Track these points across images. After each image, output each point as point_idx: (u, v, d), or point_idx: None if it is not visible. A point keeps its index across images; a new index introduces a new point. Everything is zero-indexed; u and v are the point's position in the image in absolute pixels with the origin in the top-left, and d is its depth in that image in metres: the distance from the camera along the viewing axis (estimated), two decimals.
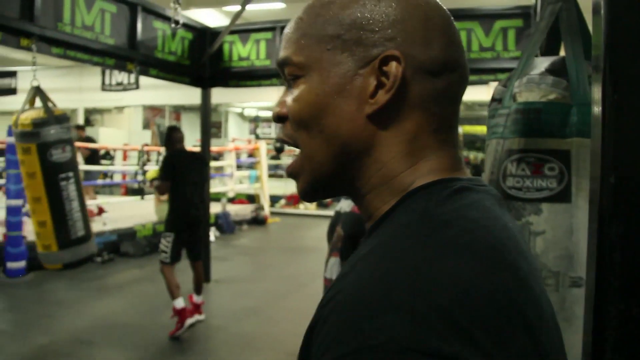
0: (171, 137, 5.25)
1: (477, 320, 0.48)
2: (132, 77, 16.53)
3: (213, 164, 14.94)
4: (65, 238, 3.87)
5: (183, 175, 5.00)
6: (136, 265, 7.44)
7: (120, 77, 16.83)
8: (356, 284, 0.53)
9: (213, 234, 9.13)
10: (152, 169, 4.75)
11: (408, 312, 0.47)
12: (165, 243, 4.98)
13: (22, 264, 6.69)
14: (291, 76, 0.67)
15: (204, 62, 6.41)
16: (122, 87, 16.89)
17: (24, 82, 17.99)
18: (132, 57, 5.47)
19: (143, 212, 8.97)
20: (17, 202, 6.78)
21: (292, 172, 0.70)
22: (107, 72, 16.79)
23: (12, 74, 18.19)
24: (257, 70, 6.40)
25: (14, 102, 17.92)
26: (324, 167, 0.66)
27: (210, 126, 21.99)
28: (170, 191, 5.02)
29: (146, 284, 6.66)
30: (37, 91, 4.01)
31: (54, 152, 3.83)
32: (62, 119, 3.94)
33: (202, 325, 5.28)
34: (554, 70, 1.28)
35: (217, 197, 11.24)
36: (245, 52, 6.43)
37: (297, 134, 0.67)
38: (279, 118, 0.69)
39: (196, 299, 5.09)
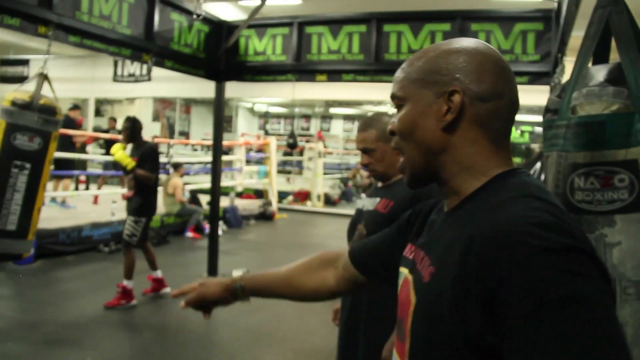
0: (138, 129, 5.41)
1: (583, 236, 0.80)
2: (144, 68, 16.60)
3: (222, 157, 14.96)
4: None
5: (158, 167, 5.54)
6: (143, 256, 7.41)
7: (132, 68, 16.85)
8: (513, 223, 0.77)
9: (220, 228, 9.12)
10: (126, 157, 4.73)
11: (566, 230, 0.76)
12: (137, 227, 5.33)
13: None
14: (397, 105, 1.02)
15: (220, 55, 6.38)
16: (133, 79, 16.91)
17: (36, 71, 18.09)
18: (148, 48, 5.45)
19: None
20: None
21: (401, 168, 1.03)
22: (119, 63, 16.81)
23: (25, 62, 18.24)
24: (272, 65, 6.37)
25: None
26: (418, 164, 0.99)
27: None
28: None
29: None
30: (41, 78, 3.95)
31: (19, 137, 3.68)
32: (46, 110, 3.76)
33: (210, 319, 5.27)
34: (612, 79, 1.25)
35: (226, 192, 11.23)
36: (262, 47, 6.41)
37: (402, 143, 1.01)
38: (391, 132, 1.03)
39: (156, 274, 5.65)
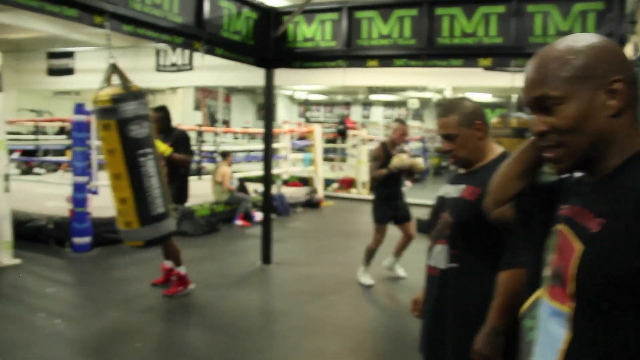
0: (169, 117, 5.41)
1: None
2: (186, 58, 16.67)
3: (258, 145, 14.98)
4: (145, 215, 3.88)
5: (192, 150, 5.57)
6: (195, 245, 7.47)
7: (174, 58, 16.95)
8: None
9: None
10: (162, 144, 4.76)
11: None
12: (175, 214, 5.19)
13: (87, 239, 6.80)
14: (549, 104, 1.10)
15: (269, 42, 6.33)
16: (176, 68, 17.02)
17: (80, 63, 18.34)
18: (199, 35, 5.43)
19: (200, 191, 9.00)
20: (82, 179, 6.87)
21: (556, 159, 1.14)
22: (162, 53, 16.94)
23: (70, 55, 18.54)
24: (322, 51, 6.29)
25: (72, 82, 18.30)
26: (583, 152, 1.10)
27: (261, 108, 22.04)
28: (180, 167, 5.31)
29: (206, 262, 6.69)
30: (114, 69, 4.01)
31: (133, 128, 3.81)
32: (138, 94, 3.93)
33: (269, 307, 5.27)
34: None
35: (272, 179, 11.21)
36: (310, 33, 6.32)
37: (564, 138, 1.10)
38: (542, 133, 1.14)
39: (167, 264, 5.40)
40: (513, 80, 5.78)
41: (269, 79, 6.58)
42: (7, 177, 6.29)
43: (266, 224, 6.59)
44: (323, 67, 6.52)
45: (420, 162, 6.09)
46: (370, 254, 5.76)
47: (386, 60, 6.13)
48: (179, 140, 5.30)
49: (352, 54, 6.17)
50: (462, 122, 2.10)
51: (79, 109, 7.05)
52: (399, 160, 5.68)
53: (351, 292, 5.58)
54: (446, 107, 2.17)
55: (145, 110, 3.95)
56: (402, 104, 24.39)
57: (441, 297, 2.12)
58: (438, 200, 2.25)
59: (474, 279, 2.04)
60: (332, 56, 6.31)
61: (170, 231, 4.08)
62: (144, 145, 3.90)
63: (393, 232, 5.96)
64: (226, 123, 22.41)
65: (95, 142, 7.18)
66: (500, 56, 5.74)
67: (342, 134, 11.81)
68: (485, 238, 2.00)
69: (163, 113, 5.41)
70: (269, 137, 6.71)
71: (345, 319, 4.88)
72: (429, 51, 5.79)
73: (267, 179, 6.67)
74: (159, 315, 4.85)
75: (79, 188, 6.85)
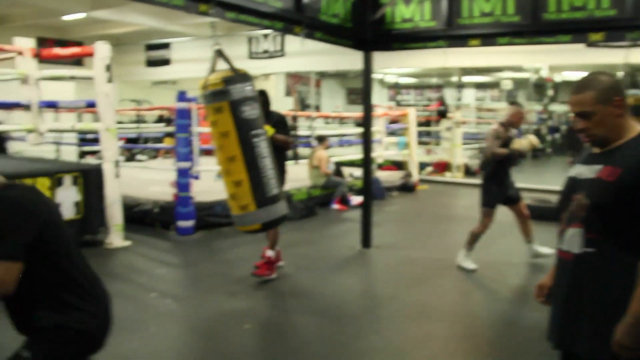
0: (268, 100, 5.37)
1: None
2: (278, 44, 16.82)
3: (358, 130, 14.90)
4: (261, 196, 3.83)
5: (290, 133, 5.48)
6: (293, 228, 7.54)
7: (266, 44, 17.20)
8: None
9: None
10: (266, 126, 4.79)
11: None
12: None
13: (190, 223, 7.00)
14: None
15: (367, 24, 6.24)
16: (268, 55, 17.26)
17: (176, 53, 18.92)
18: (299, 19, 5.42)
19: (296, 176, 9.08)
20: (185, 165, 7.07)
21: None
22: (254, 40, 17.21)
23: (166, 46, 19.18)
24: (421, 32, 6.15)
25: (168, 72, 18.88)
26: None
27: (352, 93, 21.85)
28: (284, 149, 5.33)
29: (306, 246, 6.73)
30: (220, 54, 4.05)
31: (245, 109, 3.82)
32: (246, 77, 3.96)
33: (371, 291, 5.24)
34: None
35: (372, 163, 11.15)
36: (409, 13, 6.19)
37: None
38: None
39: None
40: (627, 56, 5.45)
41: (367, 62, 6.48)
42: (117, 164, 6.57)
43: (366, 208, 6.54)
44: (423, 47, 6.36)
45: (537, 144, 5.89)
46: (474, 239, 5.61)
47: (489, 39, 5.92)
48: (279, 122, 5.30)
49: (452, 34, 6.00)
50: (598, 99, 1.96)
51: (181, 96, 7.24)
52: (528, 142, 5.57)
53: (455, 277, 5.45)
54: (582, 83, 2.03)
55: (253, 92, 3.97)
56: (494, 85, 23.68)
57: (575, 283, 1.99)
58: (569, 181, 2.11)
59: (613, 265, 1.91)
60: (432, 37, 6.15)
61: (284, 214, 4.06)
62: (256, 126, 3.90)
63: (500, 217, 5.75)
64: (316, 108, 22.52)
65: (197, 128, 7.36)
66: (614, 30, 5.38)
67: (442, 116, 11.59)
68: (626, 221, 1.86)
69: (263, 97, 5.42)
70: (368, 121, 6.64)
71: (452, 304, 4.77)
72: (535, 28, 5.54)
73: (366, 163, 6.61)
74: (264, 297, 4.91)
75: (183, 173, 7.05)
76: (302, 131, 10.38)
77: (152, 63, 19.55)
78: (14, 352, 2.06)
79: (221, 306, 4.66)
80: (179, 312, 4.54)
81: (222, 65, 3.99)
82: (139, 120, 15.80)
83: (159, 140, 13.33)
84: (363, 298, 4.98)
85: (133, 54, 18.80)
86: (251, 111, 3.85)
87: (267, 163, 3.88)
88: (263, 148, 3.88)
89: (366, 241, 6.48)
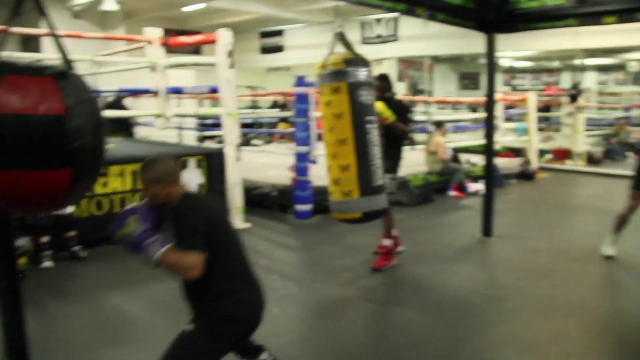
0: (390, 85, 5.21)
1: None
2: (391, 28, 16.62)
3: (473, 115, 14.51)
4: (367, 184, 3.76)
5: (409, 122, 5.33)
6: (410, 215, 7.44)
7: (379, 29, 17.07)
8: None
9: (482, 186, 8.79)
10: (387, 110, 4.55)
11: None
12: (393, 184, 5.13)
13: (308, 206, 7.08)
14: None
15: (490, 4, 5.98)
16: (381, 40, 17.14)
17: (289, 40, 19.19)
18: (421, 1, 5.29)
19: (413, 161, 8.94)
20: (304, 149, 7.13)
21: None
22: (367, 25, 17.12)
23: (279, 33, 19.49)
24: (549, 10, 5.80)
25: (282, 59, 19.18)
26: None
27: (464, 78, 21.23)
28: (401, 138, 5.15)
29: (423, 233, 6.60)
30: (341, 37, 4.01)
31: (362, 93, 3.77)
32: (366, 62, 3.90)
33: (495, 282, 5.06)
34: None
35: (480, 150, 10.80)
36: None
37: None
38: None
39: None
40: None
41: (490, 44, 6.22)
42: (238, 147, 6.73)
43: (488, 195, 6.32)
44: (551, 27, 6.01)
45: None
46: (622, 221, 5.30)
47: (626, 14, 5.49)
48: (400, 109, 5.17)
49: (584, 11, 5.61)
50: None
51: (300, 81, 7.29)
52: None
53: (586, 270, 5.14)
54: None
55: (370, 78, 3.91)
56: (619, 67, 22.19)
57: None
58: None
59: None
60: (561, 15, 5.79)
61: (385, 207, 3.97)
62: (370, 113, 3.84)
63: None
64: (429, 94, 22.11)
65: (314, 113, 7.40)
66: None
67: (574, 99, 11.01)
68: None
69: (384, 82, 5.30)
70: (491, 106, 6.39)
71: (583, 299, 4.49)
72: None
73: (488, 149, 6.37)
74: (381, 286, 4.87)
75: (301, 157, 7.12)
76: (418, 117, 10.18)
77: (266, 50, 19.96)
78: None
79: (339, 291, 4.66)
80: (299, 295, 4.59)
81: (339, 50, 3.96)
82: (254, 106, 16.17)
83: (273, 125, 13.60)
84: (486, 289, 4.80)
85: (248, 41, 19.27)
86: (367, 96, 3.79)
87: (377, 152, 3.81)
88: (374, 136, 3.81)
89: (487, 230, 6.26)
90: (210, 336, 2.47)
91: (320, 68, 3.84)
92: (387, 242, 5.18)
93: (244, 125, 13.63)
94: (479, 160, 10.01)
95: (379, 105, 4.90)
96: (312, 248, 6.07)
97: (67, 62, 2.35)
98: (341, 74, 3.74)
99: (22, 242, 4.90)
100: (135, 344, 3.62)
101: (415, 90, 21.18)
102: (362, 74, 3.78)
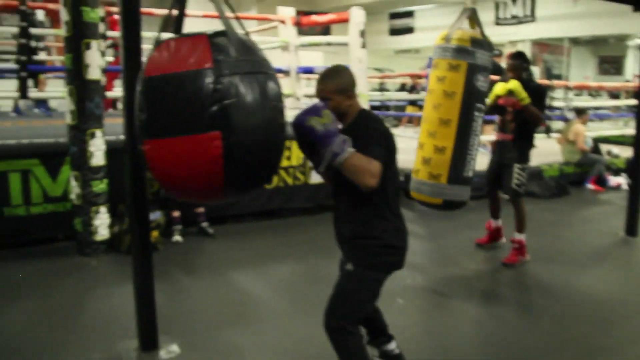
0: (526, 65, 4.85)
1: None
2: (528, 9, 15.80)
3: (614, 102, 13.49)
4: (457, 172, 3.59)
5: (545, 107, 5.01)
6: (543, 207, 7.03)
7: (515, 9, 16.30)
8: None
9: (624, 180, 8.16)
10: (522, 90, 4.18)
11: None
12: (524, 175, 4.83)
13: None
14: None
15: None
16: (516, 21, 16.37)
17: (420, 21, 18.81)
18: None
19: (548, 150, 8.45)
20: None
21: None
22: (501, 5, 16.40)
23: (410, 14, 19.16)
24: None
25: (411, 41, 18.84)
26: None
27: (604, 61, 19.83)
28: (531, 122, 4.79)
29: (555, 228, 6.19)
30: (472, 13, 3.77)
31: (480, 78, 3.57)
32: (491, 47, 3.68)
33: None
34: None
35: (622, 140, 10.02)
36: None
37: None
38: None
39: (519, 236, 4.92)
40: None
41: None
42: None
43: (634, 189, 5.81)
44: None
45: None
46: None
47: None
48: (535, 93, 4.78)
49: None
50: None
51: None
52: None
53: None
54: None
55: (491, 65, 3.69)
56: None
57: None
58: None
59: None
60: None
61: (466, 200, 3.74)
62: (482, 100, 3.64)
63: None
64: (565, 78, 20.90)
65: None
66: None
67: None
68: None
69: (519, 61, 4.93)
70: None
71: None
72: None
73: (637, 140, 5.82)
74: (507, 285, 4.62)
75: None
76: (555, 102, 9.58)
77: (395, 32, 19.72)
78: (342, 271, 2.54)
79: (464, 286, 4.45)
80: (424, 286, 4.44)
81: (465, 27, 3.73)
82: (382, 88, 16.03)
83: (401, 108, 13.39)
84: (634, 296, 4.38)
85: (376, 23, 19.09)
86: (484, 83, 3.61)
87: (476, 142, 3.62)
88: (478, 126, 3.63)
89: (632, 229, 5.76)
90: (374, 267, 2.46)
91: (442, 40, 3.65)
92: (519, 236, 4.90)
93: (372, 108, 13.57)
94: (620, 151, 9.29)
95: (515, 84, 4.58)
96: (438, 237, 5.88)
97: (227, 24, 2.16)
98: (464, 52, 3.55)
99: (156, 215, 5.07)
100: (257, 324, 3.64)
101: (549, 75, 20.07)
102: (485, 57, 3.58)
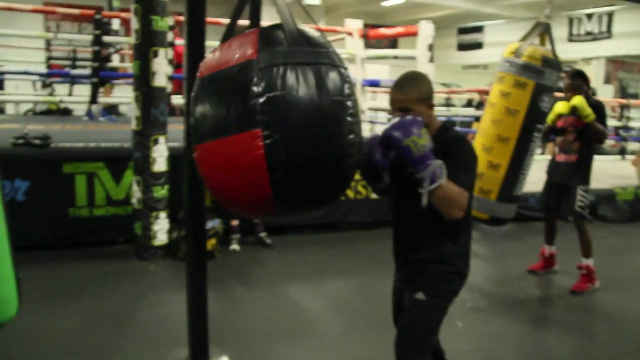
0: (586, 83, 4.48)
1: None
2: (604, 25, 15.26)
3: None
4: (508, 191, 3.60)
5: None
6: (616, 232, 6.68)
7: (589, 26, 15.76)
8: None
9: None
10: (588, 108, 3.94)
11: None
12: (588, 197, 4.56)
13: None
14: None
15: None
16: (591, 37, 15.83)
17: (489, 37, 18.46)
18: None
19: (621, 173, 8.06)
20: None
21: None
22: (575, 21, 15.90)
23: (479, 29, 18.85)
24: None
25: (480, 56, 18.53)
26: None
27: None
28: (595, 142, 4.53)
29: (628, 255, 5.88)
30: (545, 29, 3.61)
31: (545, 99, 3.49)
32: (561, 67, 3.55)
33: None
34: None
35: None
36: None
37: None
38: None
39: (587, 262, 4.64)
40: None
41: None
42: None
43: None
44: None
45: None
46: None
47: None
48: (596, 110, 4.51)
49: None
50: None
51: None
52: None
53: None
54: None
55: (558, 85, 3.56)
56: None
57: None
58: None
59: None
60: None
61: (510, 217, 3.64)
62: (543, 121, 3.54)
63: None
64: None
65: None
66: None
67: None
68: None
69: (579, 80, 4.65)
70: None
71: None
72: None
73: None
74: (574, 310, 4.37)
75: None
76: (631, 123, 9.15)
77: (463, 47, 19.44)
78: (408, 299, 2.29)
79: (528, 312, 4.26)
80: (485, 309, 4.25)
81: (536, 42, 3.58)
82: (448, 104, 15.79)
83: (467, 124, 13.13)
84: None
85: (444, 37, 18.86)
86: (548, 104, 3.57)
87: (530, 163, 3.59)
88: (534, 147, 3.59)
89: None
90: (444, 295, 2.27)
91: (511, 54, 3.51)
92: (587, 261, 4.63)
93: None
94: None
95: (580, 100, 4.31)
96: (502, 259, 5.66)
97: (282, 13, 1.91)
98: (534, 70, 3.46)
99: (214, 223, 5.08)
100: (311, 340, 3.56)
101: (624, 93, 19.33)
102: (553, 78, 3.47)
